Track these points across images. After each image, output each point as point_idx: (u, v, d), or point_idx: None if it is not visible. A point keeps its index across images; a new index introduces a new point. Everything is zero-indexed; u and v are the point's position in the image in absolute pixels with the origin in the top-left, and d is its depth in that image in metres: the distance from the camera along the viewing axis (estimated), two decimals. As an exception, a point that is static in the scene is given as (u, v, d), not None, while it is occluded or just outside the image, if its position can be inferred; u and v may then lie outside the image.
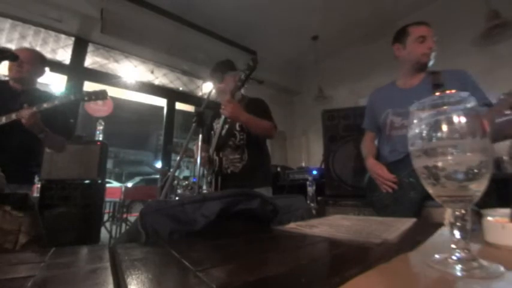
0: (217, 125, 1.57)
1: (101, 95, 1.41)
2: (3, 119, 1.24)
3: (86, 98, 1.39)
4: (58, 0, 2.37)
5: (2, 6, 2.32)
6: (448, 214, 0.31)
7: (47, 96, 1.40)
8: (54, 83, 2.91)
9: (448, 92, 0.31)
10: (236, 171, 1.45)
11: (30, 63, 1.40)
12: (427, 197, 0.33)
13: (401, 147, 1.24)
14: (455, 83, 1.17)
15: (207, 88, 3.57)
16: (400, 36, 1.32)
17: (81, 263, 0.35)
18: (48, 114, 1.29)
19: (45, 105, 1.26)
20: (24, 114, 1.20)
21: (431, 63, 1.29)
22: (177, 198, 2.41)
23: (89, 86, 2.85)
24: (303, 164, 3.78)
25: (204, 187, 1.56)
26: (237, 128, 1.48)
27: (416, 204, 1.14)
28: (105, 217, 3.26)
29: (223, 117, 1.41)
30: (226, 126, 1.50)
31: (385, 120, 1.34)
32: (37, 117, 1.23)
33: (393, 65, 1.39)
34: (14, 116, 1.23)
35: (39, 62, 1.45)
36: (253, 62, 1.25)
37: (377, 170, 1.28)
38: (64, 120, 1.47)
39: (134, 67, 3.26)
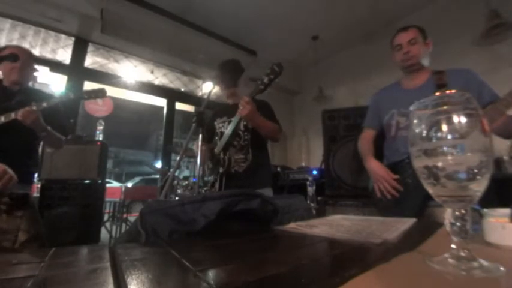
0: (220, 124, 1.57)
1: (100, 93, 1.42)
2: (2, 119, 1.22)
3: (85, 96, 1.42)
4: (58, 0, 2.38)
5: (2, 6, 2.31)
6: (448, 214, 0.31)
7: (41, 95, 1.38)
8: (54, 83, 2.91)
9: (448, 91, 0.31)
10: (240, 170, 1.45)
11: (31, 64, 1.41)
12: (430, 197, 0.33)
13: (403, 147, 1.24)
14: (459, 82, 1.17)
15: (207, 88, 3.57)
16: (390, 44, 1.38)
17: (81, 263, 0.35)
18: (47, 113, 1.28)
19: (44, 104, 1.25)
20: (26, 113, 1.19)
21: (426, 62, 1.29)
22: (177, 198, 2.41)
23: (89, 86, 2.85)
24: (303, 164, 3.79)
25: (206, 187, 1.56)
26: (241, 128, 1.48)
27: (419, 205, 1.13)
28: (105, 217, 3.25)
29: (236, 117, 1.40)
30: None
31: (390, 120, 1.34)
32: (38, 115, 1.22)
33: (393, 64, 1.39)
34: (13, 115, 1.21)
35: (33, 60, 1.45)
36: (279, 67, 1.24)
37: (381, 172, 1.25)
38: (61, 119, 1.48)
39: (134, 67, 3.26)
